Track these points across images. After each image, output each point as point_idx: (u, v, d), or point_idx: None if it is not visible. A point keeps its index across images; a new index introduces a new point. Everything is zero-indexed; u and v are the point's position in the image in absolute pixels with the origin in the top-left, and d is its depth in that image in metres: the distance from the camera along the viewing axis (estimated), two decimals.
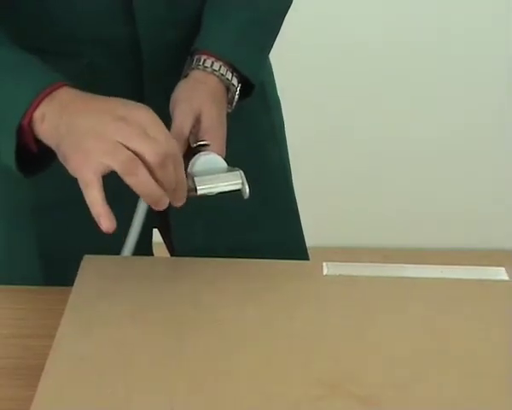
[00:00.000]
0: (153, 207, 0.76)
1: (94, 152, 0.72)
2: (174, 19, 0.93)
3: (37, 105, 0.76)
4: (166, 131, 0.76)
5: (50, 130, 0.76)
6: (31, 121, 0.77)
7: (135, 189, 0.73)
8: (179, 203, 0.78)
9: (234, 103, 0.92)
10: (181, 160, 0.76)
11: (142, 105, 0.76)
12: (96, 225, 0.74)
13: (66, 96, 0.77)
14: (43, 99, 0.77)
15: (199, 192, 0.81)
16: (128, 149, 0.72)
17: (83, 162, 0.73)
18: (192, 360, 0.75)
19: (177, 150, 0.76)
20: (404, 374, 0.74)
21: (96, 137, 0.73)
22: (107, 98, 0.77)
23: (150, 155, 0.72)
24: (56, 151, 0.77)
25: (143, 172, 0.72)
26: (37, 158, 0.80)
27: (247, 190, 0.82)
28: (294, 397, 0.71)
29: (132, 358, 0.75)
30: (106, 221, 0.73)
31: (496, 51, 2.13)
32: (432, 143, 2.24)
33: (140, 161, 0.72)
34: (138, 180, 0.72)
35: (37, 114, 0.76)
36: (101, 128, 0.73)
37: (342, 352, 0.76)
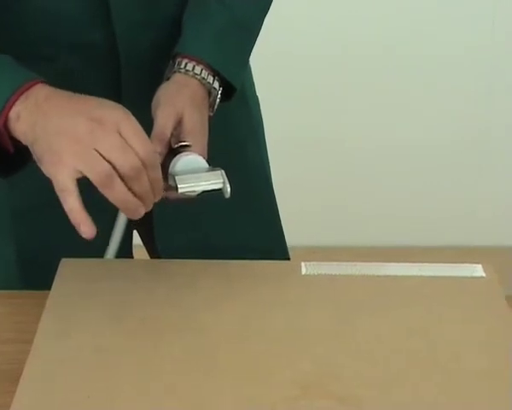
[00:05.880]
0: (128, 216, 0.77)
1: (66, 154, 0.72)
2: (151, 21, 0.93)
3: (12, 104, 0.76)
4: (142, 132, 0.75)
5: (26, 129, 0.76)
6: (6, 121, 0.76)
7: (111, 200, 0.74)
8: (151, 204, 0.78)
9: (215, 106, 0.92)
10: (157, 163, 0.76)
11: (117, 105, 0.76)
12: (75, 229, 0.74)
13: (42, 94, 0.77)
14: (17, 98, 0.76)
15: (180, 191, 0.81)
16: (102, 156, 0.72)
17: (56, 166, 0.73)
18: (170, 362, 0.75)
19: (153, 154, 0.75)
20: (383, 374, 0.74)
21: (68, 138, 0.73)
22: (83, 97, 0.77)
23: (125, 168, 0.72)
24: (31, 151, 0.76)
25: (119, 186, 0.73)
26: (13, 157, 0.80)
27: (229, 190, 0.82)
28: (273, 398, 0.71)
29: (111, 361, 0.75)
30: (86, 228, 0.74)
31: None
32: (412, 142, 2.24)
33: (116, 175, 0.72)
34: (114, 193, 0.73)
35: (12, 114, 0.76)
36: (74, 129, 0.73)
37: (322, 352, 0.77)
